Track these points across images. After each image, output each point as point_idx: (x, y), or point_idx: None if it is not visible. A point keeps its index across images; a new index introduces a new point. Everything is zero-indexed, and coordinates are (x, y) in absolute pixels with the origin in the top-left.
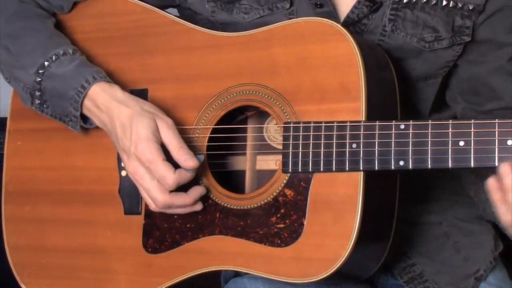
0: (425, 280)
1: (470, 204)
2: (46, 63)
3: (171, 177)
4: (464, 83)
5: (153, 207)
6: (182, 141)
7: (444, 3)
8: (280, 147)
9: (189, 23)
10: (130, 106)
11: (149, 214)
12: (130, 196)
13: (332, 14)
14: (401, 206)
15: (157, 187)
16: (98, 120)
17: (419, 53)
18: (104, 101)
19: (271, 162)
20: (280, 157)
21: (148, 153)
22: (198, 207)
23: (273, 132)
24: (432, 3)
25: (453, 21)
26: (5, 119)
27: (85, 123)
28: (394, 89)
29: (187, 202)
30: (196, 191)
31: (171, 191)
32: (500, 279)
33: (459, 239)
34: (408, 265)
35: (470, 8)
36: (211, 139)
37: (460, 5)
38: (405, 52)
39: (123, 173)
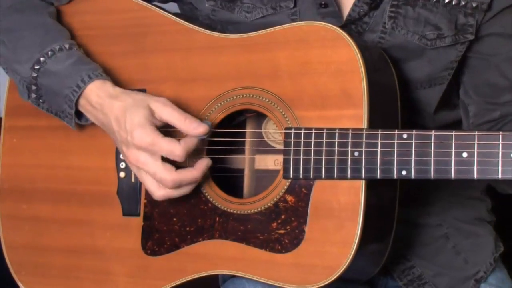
0: (424, 282)
1: (471, 205)
2: (42, 58)
3: (178, 148)
4: (477, 77)
5: (157, 194)
6: (184, 112)
7: (447, 0)
8: (279, 146)
9: (188, 23)
10: (122, 99)
11: (148, 216)
12: (128, 197)
13: (336, 14)
14: (400, 207)
15: (163, 167)
16: (94, 118)
17: (421, 52)
18: (98, 99)
19: (270, 162)
20: (278, 156)
21: (146, 137)
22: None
23: (272, 132)
24: (434, 0)
25: (456, 19)
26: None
27: (80, 120)
28: (395, 94)
29: (196, 175)
30: (202, 163)
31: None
32: (500, 280)
33: (459, 241)
34: (407, 267)
35: (474, 5)
36: (210, 141)
37: (463, 3)
38: (407, 52)
39: (122, 174)
